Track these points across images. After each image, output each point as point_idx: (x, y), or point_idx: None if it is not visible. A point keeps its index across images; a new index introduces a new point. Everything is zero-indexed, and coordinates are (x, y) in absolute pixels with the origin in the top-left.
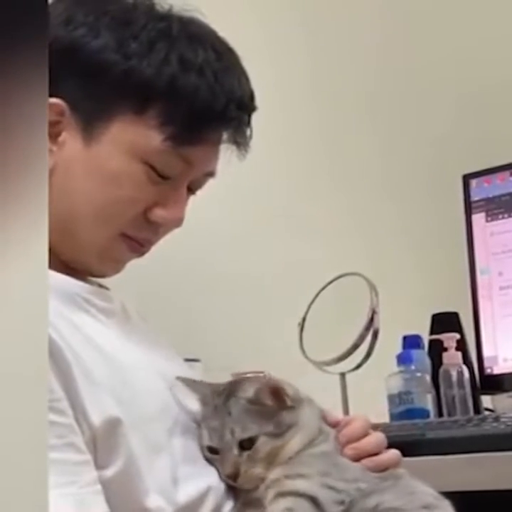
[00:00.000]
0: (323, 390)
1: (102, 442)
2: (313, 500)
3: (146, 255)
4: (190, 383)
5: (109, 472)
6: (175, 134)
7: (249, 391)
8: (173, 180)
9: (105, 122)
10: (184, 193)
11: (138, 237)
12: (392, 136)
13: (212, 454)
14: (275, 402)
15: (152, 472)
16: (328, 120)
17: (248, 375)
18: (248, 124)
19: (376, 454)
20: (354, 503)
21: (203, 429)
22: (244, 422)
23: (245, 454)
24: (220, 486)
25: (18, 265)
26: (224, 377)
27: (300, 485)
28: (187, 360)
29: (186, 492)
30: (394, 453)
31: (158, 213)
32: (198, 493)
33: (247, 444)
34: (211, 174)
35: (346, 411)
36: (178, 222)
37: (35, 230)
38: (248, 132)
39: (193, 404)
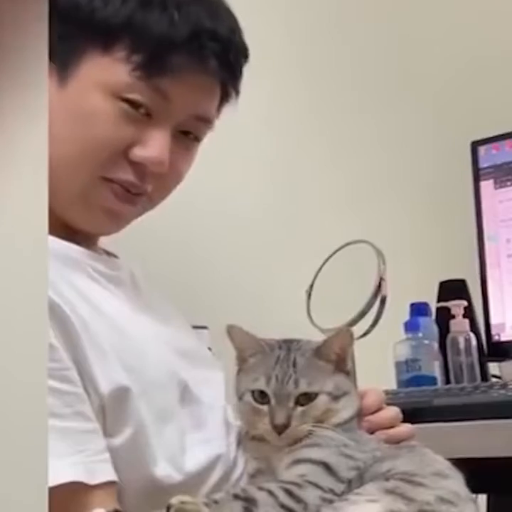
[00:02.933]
0: None
1: (111, 411)
2: (327, 466)
3: (153, 221)
4: (238, 333)
5: (117, 440)
6: (140, 63)
7: (316, 343)
8: (154, 119)
9: (76, 63)
10: (167, 133)
11: (121, 180)
12: (399, 103)
13: (256, 402)
14: (337, 362)
15: (161, 440)
16: (334, 85)
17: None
18: (230, 60)
19: (390, 428)
20: (367, 468)
21: (258, 374)
22: (309, 375)
23: (299, 408)
24: (228, 454)
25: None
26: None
27: (315, 453)
28: (194, 327)
29: (195, 460)
30: (407, 427)
31: (137, 153)
32: (207, 461)
33: (303, 400)
34: (203, 119)
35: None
36: (159, 162)
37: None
38: (234, 71)
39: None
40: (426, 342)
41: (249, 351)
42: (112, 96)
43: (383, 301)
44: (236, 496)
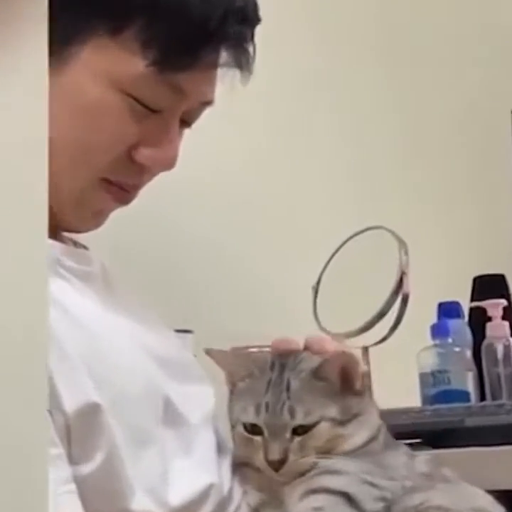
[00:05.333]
0: None
1: (78, 433)
2: (348, 497)
3: (133, 210)
4: (221, 356)
5: (86, 468)
6: (160, 57)
7: (314, 361)
8: (163, 114)
9: (78, 45)
10: (176, 128)
11: (121, 182)
12: (431, 72)
13: (248, 433)
14: (342, 382)
15: (138, 468)
16: (353, 52)
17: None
18: (251, 40)
19: None
20: (396, 500)
21: (246, 403)
22: (306, 401)
23: (297, 439)
24: (221, 484)
25: None
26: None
27: (333, 482)
28: (177, 331)
29: (180, 492)
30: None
31: (145, 153)
32: (196, 492)
33: (301, 429)
34: (209, 103)
35: (369, 392)
36: (169, 163)
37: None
38: (251, 50)
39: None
40: (457, 349)
41: (237, 375)
42: (118, 89)
43: (405, 299)
44: None
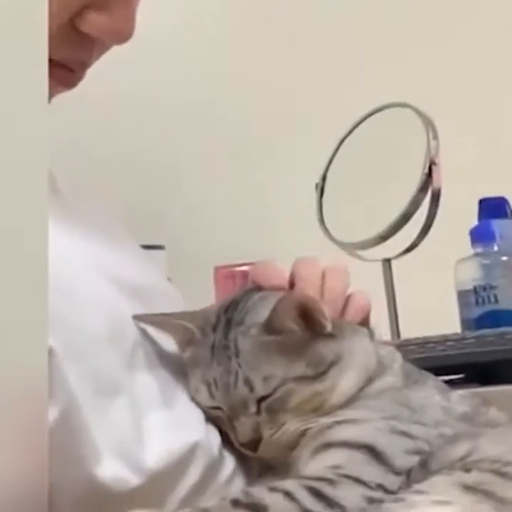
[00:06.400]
0: (358, 285)
1: None
2: (373, 451)
3: (88, 90)
4: (158, 320)
5: None
6: None
7: (261, 312)
8: None
9: None
10: None
11: (66, 59)
12: None
13: (213, 413)
14: (305, 328)
15: (104, 424)
16: None
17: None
18: None
19: None
20: (434, 452)
21: (196, 380)
22: (262, 365)
23: (265, 411)
24: (210, 442)
25: None
26: (197, 271)
27: (352, 432)
28: (146, 247)
29: (159, 451)
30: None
31: (93, 20)
32: (177, 452)
33: (267, 398)
34: None
35: (394, 317)
36: (122, 33)
37: None
38: None
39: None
40: (504, 258)
41: (179, 341)
42: None
43: (436, 196)
44: (236, 503)
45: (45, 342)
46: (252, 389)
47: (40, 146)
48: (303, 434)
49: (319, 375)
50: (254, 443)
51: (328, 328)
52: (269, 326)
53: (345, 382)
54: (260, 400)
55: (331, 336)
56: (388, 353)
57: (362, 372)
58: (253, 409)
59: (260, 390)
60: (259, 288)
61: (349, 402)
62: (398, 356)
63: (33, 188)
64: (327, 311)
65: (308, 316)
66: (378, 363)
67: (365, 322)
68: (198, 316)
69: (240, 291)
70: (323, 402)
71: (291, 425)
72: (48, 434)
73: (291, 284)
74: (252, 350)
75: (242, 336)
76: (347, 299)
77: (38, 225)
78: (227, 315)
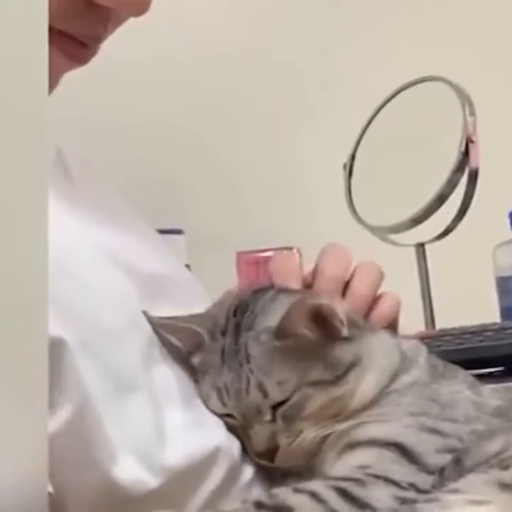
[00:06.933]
0: (391, 272)
1: None
2: (403, 449)
3: (99, 70)
4: (164, 324)
5: (49, 425)
6: None
7: (271, 315)
8: None
9: None
10: None
11: (79, 33)
12: None
13: (227, 422)
14: (319, 332)
15: (121, 422)
16: None
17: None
18: None
19: None
20: (468, 450)
21: (207, 387)
22: (276, 370)
23: (281, 418)
24: (231, 447)
25: None
26: (218, 256)
27: (380, 430)
28: (164, 231)
29: (180, 452)
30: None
31: None
32: (201, 454)
33: (282, 405)
34: None
35: (429, 306)
36: (139, 5)
37: None
38: None
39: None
40: None
41: (187, 346)
42: None
43: (473, 176)
44: (260, 505)
45: (45, 337)
46: (265, 395)
47: (39, 127)
48: (322, 441)
49: (337, 379)
50: (271, 452)
51: (345, 332)
52: (281, 332)
53: (365, 384)
54: (275, 406)
55: (347, 339)
56: (412, 347)
57: (384, 373)
58: (268, 416)
59: (275, 395)
60: (269, 287)
61: (372, 403)
62: (423, 349)
63: (33, 175)
64: (343, 315)
65: (323, 321)
66: (402, 358)
67: (391, 328)
68: (206, 318)
69: (248, 292)
70: (343, 407)
71: (310, 433)
72: (48, 435)
73: (313, 277)
74: (265, 356)
75: (253, 342)
76: (375, 301)
77: (38, 211)
78: (237, 319)
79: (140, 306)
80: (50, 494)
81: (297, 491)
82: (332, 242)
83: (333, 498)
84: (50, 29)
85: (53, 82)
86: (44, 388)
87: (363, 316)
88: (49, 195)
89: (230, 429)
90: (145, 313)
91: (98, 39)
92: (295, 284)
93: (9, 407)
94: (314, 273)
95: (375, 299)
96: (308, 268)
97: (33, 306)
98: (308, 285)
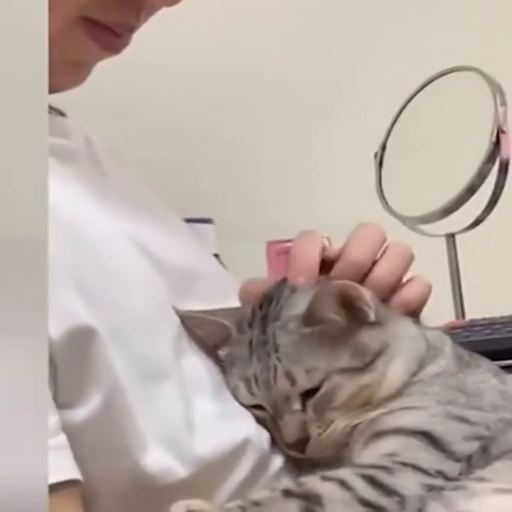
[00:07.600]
0: (420, 262)
1: (66, 365)
2: (430, 437)
3: (126, 60)
4: (191, 316)
5: (79, 414)
6: None
7: (296, 305)
8: None
9: None
10: None
11: (111, 22)
12: None
13: (256, 414)
14: (347, 317)
15: (151, 411)
16: None
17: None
18: None
19: None
20: (495, 437)
21: (234, 379)
22: (304, 358)
23: (311, 407)
24: (260, 438)
25: None
26: (248, 246)
27: (407, 419)
28: (193, 220)
29: (210, 441)
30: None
31: None
32: (230, 444)
33: (311, 393)
34: None
35: (459, 296)
36: None
37: None
38: None
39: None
40: None
41: (214, 339)
42: None
43: (504, 167)
44: (288, 493)
45: (45, 337)
46: (293, 382)
47: (39, 127)
48: (352, 431)
49: (366, 366)
50: (302, 443)
51: (372, 316)
52: (309, 318)
53: (393, 371)
54: (304, 395)
55: (375, 323)
56: (437, 336)
57: (412, 360)
58: (297, 405)
59: (303, 382)
60: (284, 280)
61: (400, 392)
62: (447, 339)
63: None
64: (370, 298)
65: (350, 305)
66: (428, 347)
67: (413, 314)
68: (233, 312)
69: (271, 287)
70: (372, 394)
71: (341, 422)
72: (48, 435)
73: (337, 258)
74: (292, 344)
75: (280, 331)
76: (400, 285)
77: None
78: (263, 311)
79: (168, 298)
80: (80, 482)
81: (325, 478)
82: (365, 221)
83: (360, 486)
84: (84, 18)
85: (86, 71)
86: (44, 388)
87: (384, 300)
88: (81, 192)
89: (259, 421)
90: (173, 306)
91: (131, 29)
92: (308, 271)
93: (9, 407)
94: (339, 254)
95: (402, 284)
96: (338, 244)
97: (33, 306)
98: (331, 264)
